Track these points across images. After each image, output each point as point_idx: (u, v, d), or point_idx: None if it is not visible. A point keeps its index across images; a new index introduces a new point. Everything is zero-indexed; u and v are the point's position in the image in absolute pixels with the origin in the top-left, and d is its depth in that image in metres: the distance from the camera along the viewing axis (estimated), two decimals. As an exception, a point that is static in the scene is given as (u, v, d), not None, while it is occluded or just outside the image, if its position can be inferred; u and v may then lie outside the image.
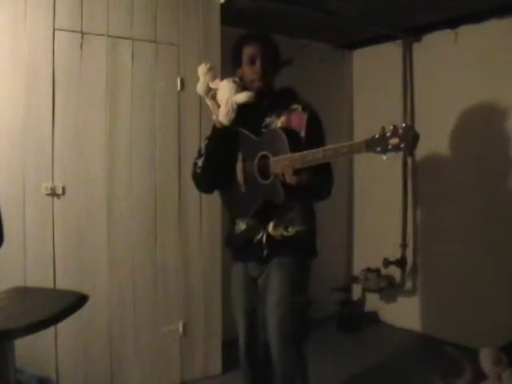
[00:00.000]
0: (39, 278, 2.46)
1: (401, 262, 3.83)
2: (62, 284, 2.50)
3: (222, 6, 3.00)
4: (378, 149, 1.53)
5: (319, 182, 1.90)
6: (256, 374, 2.12)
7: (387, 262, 3.82)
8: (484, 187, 3.33)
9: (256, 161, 1.93)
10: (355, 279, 4.12)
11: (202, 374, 2.98)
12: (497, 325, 3.06)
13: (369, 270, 3.99)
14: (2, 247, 1.72)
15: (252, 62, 1.97)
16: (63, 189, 2.56)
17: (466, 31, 3.39)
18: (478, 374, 2.48)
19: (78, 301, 1.62)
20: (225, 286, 3.02)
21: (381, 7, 3.23)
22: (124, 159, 2.74)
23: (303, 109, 1.96)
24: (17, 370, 1.88)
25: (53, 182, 2.54)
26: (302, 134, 1.91)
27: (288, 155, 1.77)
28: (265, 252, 1.96)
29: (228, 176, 2.04)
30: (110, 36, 2.67)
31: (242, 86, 1.97)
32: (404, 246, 3.83)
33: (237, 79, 1.99)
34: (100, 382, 2.67)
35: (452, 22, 3.42)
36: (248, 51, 1.98)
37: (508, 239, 3.18)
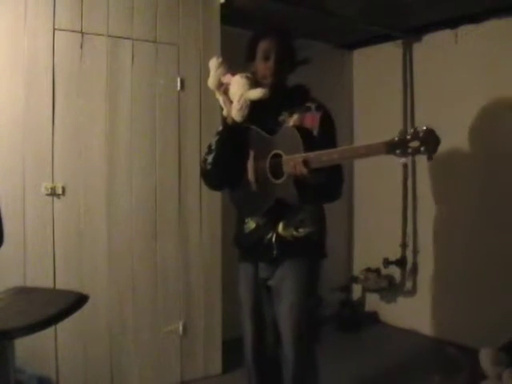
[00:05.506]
0: (39, 278, 2.46)
1: (401, 262, 3.83)
2: (61, 284, 2.50)
3: (222, 5, 3.00)
4: (398, 151, 1.51)
5: (331, 182, 1.86)
6: (263, 377, 2.08)
7: (387, 262, 3.82)
8: (484, 187, 3.33)
9: (268, 159, 1.89)
10: (355, 279, 4.12)
11: (202, 373, 2.98)
12: (497, 325, 3.06)
13: (369, 269, 3.99)
14: (2, 247, 1.72)
15: (266, 57, 1.92)
16: (63, 189, 2.56)
17: (466, 31, 3.38)
18: (478, 374, 2.48)
19: (77, 301, 1.62)
20: (225, 286, 3.03)
21: (381, 7, 3.23)
22: (124, 159, 2.74)
23: (317, 108, 1.92)
24: (17, 370, 1.88)
25: (53, 182, 2.54)
26: (315, 133, 1.88)
27: (302, 154, 1.72)
28: (275, 252, 1.93)
29: (238, 173, 2.00)
30: (110, 36, 2.67)
31: (254, 82, 1.91)
32: (404, 245, 3.83)
33: (249, 75, 1.93)
34: (100, 381, 2.67)
35: (452, 22, 3.41)
36: (263, 46, 1.93)
37: (508, 239, 3.18)
